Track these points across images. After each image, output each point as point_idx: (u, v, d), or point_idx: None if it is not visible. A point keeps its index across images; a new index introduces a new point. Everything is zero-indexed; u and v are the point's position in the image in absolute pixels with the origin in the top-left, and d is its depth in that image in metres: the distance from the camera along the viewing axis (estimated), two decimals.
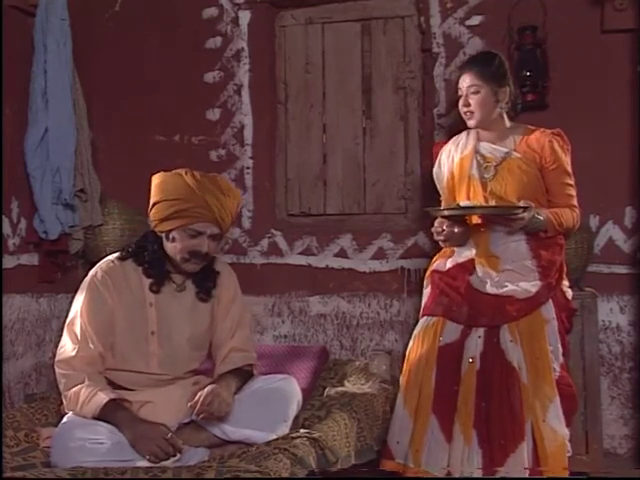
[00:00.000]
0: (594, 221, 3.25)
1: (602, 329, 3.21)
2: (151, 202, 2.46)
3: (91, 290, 2.42)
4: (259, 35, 3.71)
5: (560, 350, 2.65)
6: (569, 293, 2.76)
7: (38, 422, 2.54)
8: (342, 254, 3.58)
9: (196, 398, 2.28)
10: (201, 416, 2.27)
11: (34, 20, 3.40)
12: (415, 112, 3.61)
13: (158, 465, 2.10)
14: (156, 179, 2.47)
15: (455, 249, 2.81)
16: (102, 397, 2.26)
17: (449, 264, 2.80)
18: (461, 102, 2.78)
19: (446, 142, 2.98)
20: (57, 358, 2.39)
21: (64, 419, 2.33)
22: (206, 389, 2.31)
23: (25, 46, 3.41)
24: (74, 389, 2.30)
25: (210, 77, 3.75)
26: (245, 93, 3.72)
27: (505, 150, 2.75)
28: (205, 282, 2.52)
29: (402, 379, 2.77)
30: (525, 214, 2.56)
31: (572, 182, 2.73)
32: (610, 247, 3.26)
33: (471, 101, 2.75)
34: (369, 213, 3.68)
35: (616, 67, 3.23)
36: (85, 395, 2.27)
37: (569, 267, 2.84)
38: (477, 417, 2.57)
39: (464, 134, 2.89)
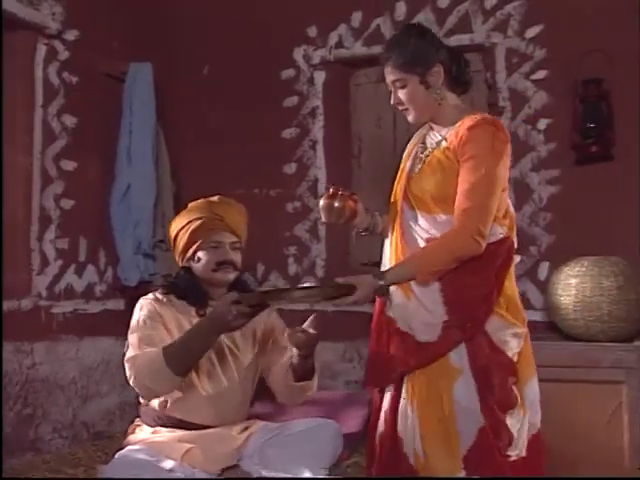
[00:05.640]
0: None
1: None
2: (171, 243, 2.60)
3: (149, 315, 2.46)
4: (333, 93, 3.90)
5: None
6: (510, 343, 2.08)
7: (99, 460, 2.67)
8: None
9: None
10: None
11: (123, 86, 3.74)
12: None
13: None
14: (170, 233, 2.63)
15: None
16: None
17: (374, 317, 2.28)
18: (392, 100, 2.24)
19: None
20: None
21: (115, 456, 2.34)
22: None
23: (116, 109, 3.73)
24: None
25: (287, 133, 3.95)
26: (319, 148, 3.89)
27: (438, 138, 2.22)
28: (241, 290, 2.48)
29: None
30: (352, 298, 2.02)
31: (484, 186, 2.05)
32: None
33: (401, 96, 2.20)
34: None
35: None
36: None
37: (633, 318, 2.65)
38: None
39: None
